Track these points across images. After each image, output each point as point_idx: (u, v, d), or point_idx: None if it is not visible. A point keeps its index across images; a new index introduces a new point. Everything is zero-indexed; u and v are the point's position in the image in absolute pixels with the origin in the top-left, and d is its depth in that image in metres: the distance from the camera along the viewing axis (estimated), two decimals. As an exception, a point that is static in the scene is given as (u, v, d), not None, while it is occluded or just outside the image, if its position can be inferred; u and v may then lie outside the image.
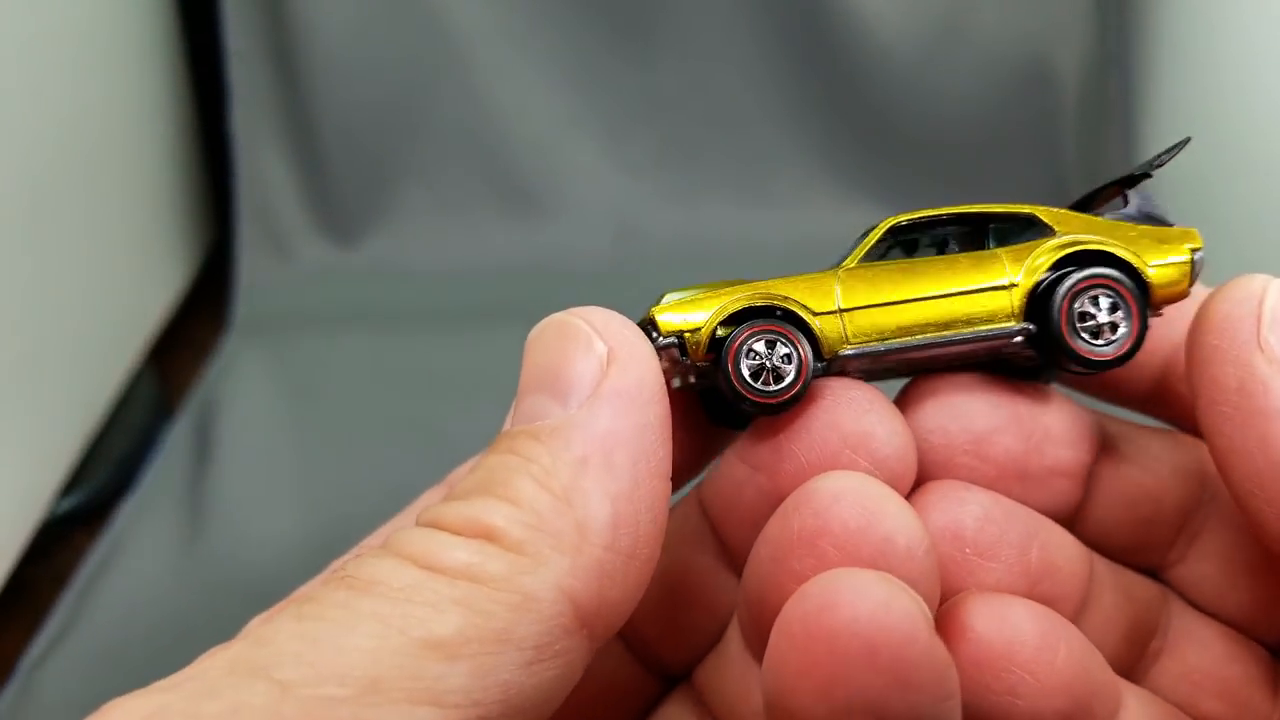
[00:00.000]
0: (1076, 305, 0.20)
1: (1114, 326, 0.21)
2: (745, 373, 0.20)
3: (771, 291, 0.20)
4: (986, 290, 0.21)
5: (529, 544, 0.16)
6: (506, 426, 0.18)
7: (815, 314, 0.20)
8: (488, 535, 0.16)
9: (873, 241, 0.21)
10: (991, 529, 0.20)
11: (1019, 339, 0.21)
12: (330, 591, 0.16)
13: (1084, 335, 0.21)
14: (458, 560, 0.16)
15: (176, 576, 0.50)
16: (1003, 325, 0.21)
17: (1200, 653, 0.22)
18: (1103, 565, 0.22)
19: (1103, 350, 0.21)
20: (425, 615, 0.15)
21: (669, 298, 0.21)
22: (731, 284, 0.21)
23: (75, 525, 0.55)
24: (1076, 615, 0.21)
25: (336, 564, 0.18)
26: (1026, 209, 0.22)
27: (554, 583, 0.16)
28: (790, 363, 0.20)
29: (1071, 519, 0.22)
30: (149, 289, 0.66)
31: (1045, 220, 0.21)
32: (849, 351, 0.20)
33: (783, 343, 0.20)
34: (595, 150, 0.73)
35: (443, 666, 0.15)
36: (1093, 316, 0.21)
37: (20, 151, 0.52)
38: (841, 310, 0.21)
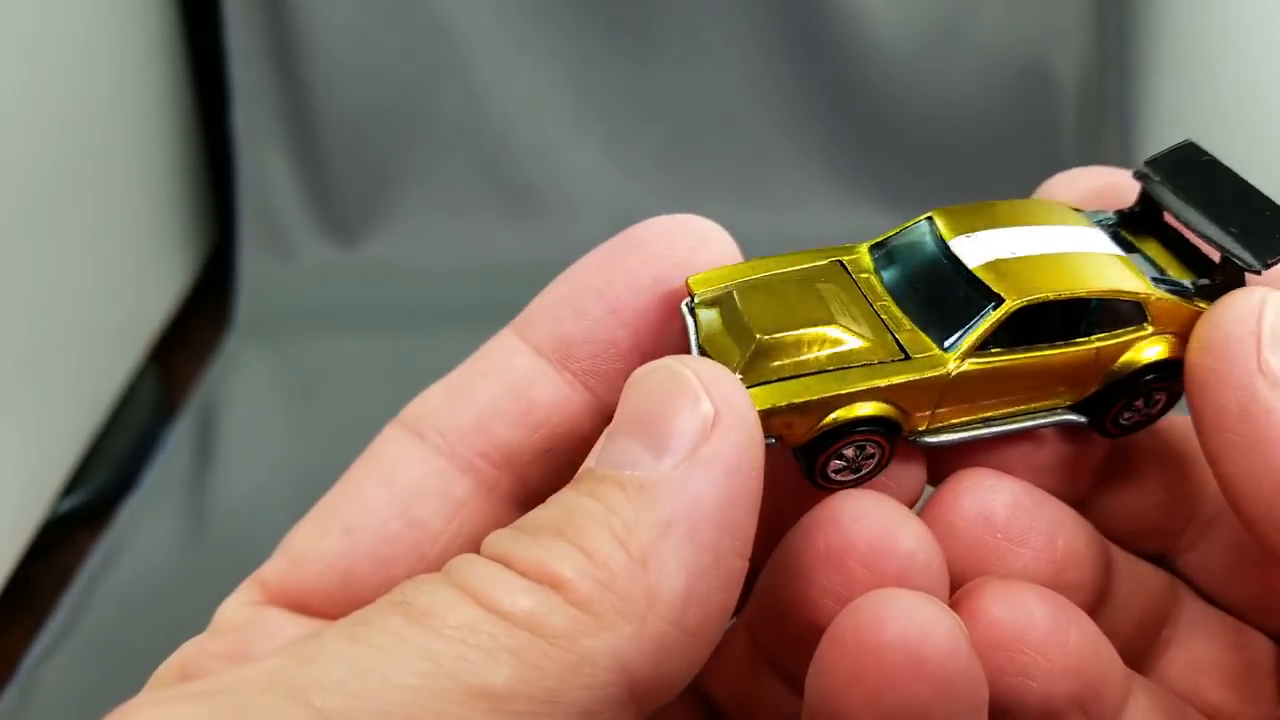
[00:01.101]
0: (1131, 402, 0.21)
1: (1153, 404, 0.22)
2: (829, 470, 0.20)
3: (883, 390, 0.20)
4: (1070, 381, 0.21)
5: (595, 603, 0.15)
6: (590, 464, 0.17)
7: (904, 410, 0.20)
8: (554, 584, 0.15)
9: (992, 325, 0.20)
10: (1023, 516, 0.21)
11: (1074, 424, 0.22)
12: (384, 616, 0.15)
13: (1123, 421, 0.22)
14: (519, 607, 0.15)
15: (178, 575, 0.50)
16: (1061, 414, 0.21)
17: (1208, 642, 0.23)
18: (1117, 554, 0.22)
19: (1131, 422, 0.22)
20: (478, 661, 0.14)
21: (700, 282, 0.21)
22: (779, 264, 0.21)
23: (77, 524, 0.55)
24: (1095, 604, 0.21)
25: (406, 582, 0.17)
26: (1140, 297, 0.20)
27: (614, 650, 0.15)
28: (871, 458, 0.20)
29: (1083, 503, 0.23)
30: (151, 288, 0.66)
31: (1147, 313, 0.21)
32: (926, 441, 0.21)
33: (872, 445, 0.20)
34: (596, 150, 0.73)
35: (485, 715, 0.14)
36: (1140, 411, 0.22)
37: (22, 152, 0.52)
38: (934, 411, 0.20)
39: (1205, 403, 0.19)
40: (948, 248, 0.21)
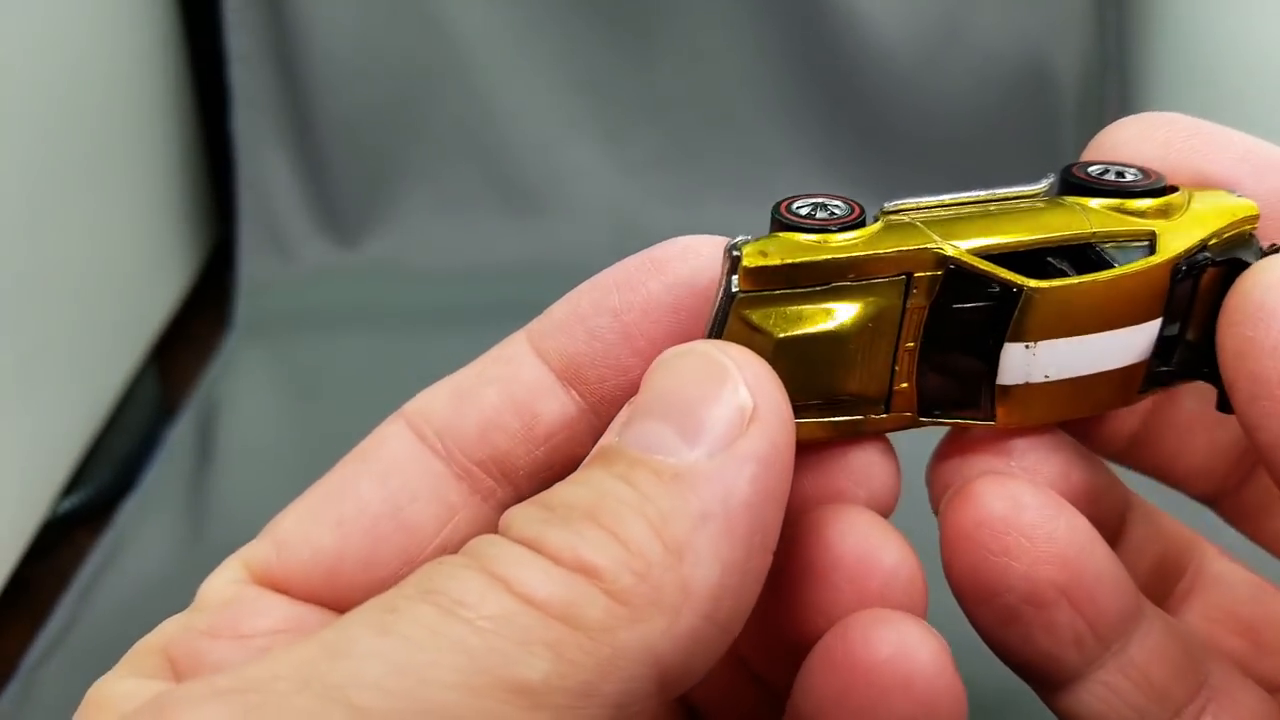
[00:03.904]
0: None
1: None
2: None
3: (849, 420, 0.20)
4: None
5: (631, 595, 0.15)
6: (611, 439, 0.17)
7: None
8: (589, 573, 0.15)
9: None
10: (1037, 451, 0.21)
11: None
12: (413, 606, 0.15)
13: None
14: (555, 597, 0.15)
15: (179, 576, 0.50)
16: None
17: (1225, 593, 0.23)
18: (1138, 500, 0.23)
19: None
20: (514, 655, 0.14)
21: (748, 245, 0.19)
22: (847, 251, 0.19)
23: (77, 524, 0.55)
24: (1112, 542, 0.22)
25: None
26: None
27: (648, 643, 0.15)
28: None
29: (1124, 452, 0.23)
30: (151, 289, 0.66)
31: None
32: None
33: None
34: (596, 150, 0.73)
35: (525, 715, 0.14)
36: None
37: (22, 153, 0.52)
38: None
39: (1242, 372, 0.18)
40: (1000, 341, 0.20)
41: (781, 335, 0.19)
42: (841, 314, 0.19)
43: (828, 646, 0.18)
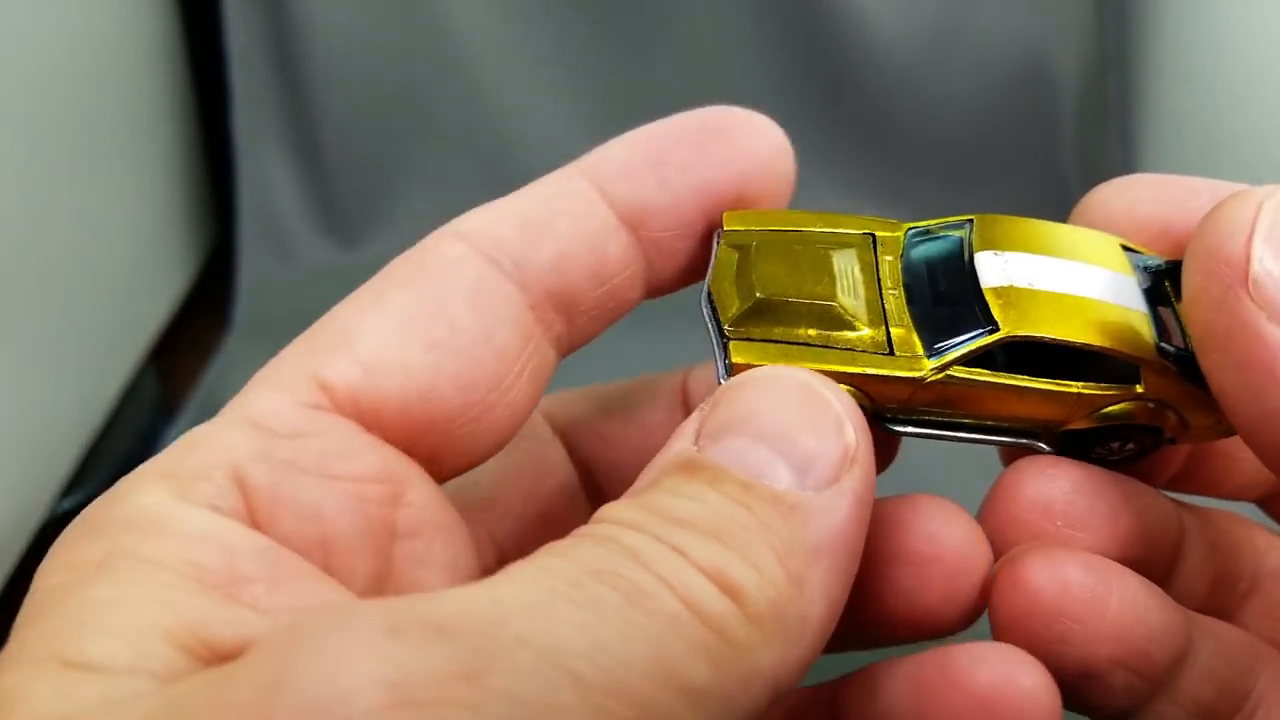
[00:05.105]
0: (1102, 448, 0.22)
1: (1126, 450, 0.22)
2: None
3: (854, 377, 0.20)
4: (1043, 422, 0.21)
5: (767, 621, 0.15)
6: (689, 447, 0.17)
7: (876, 402, 0.20)
8: (733, 594, 0.15)
9: (979, 349, 0.20)
10: (1081, 501, 0.21)
11: (1041, 450, 0.22)
12: (600, 586, 0.15)
13: (1093, 457, 0.22)
14: (714, 611, 0.15)
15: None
16: (1033, 444, 0.22)
17: None
18: (1191, 519, 0.23)
19: (1116, 458, 0.22)
20: (685, 656, 0.15)
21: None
22: (815, 222, 0.22)
23: (77, 525, 0.55)
24: (1167, 574, 0.22)
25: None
26: (1138, 360, 0.20)
27: (774, 667, 0.16)
28: None
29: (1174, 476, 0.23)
30: (151, 290, 0.66)
31: (1142, 379, 0.21)
32: (896, 429, 0.21)
33: None
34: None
35: (688, 713, 0.14)
36: (1114, 453, 0.22)
37: (21, 154, 0.52)
38: (905, 406, 0.21)
39: (1194, 320, 0.18)
40: (971, 259, 0.21)
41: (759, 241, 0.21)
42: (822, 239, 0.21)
43: (950, 667, 0.18)
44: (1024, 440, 0.21)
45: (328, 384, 0.18)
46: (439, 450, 0.19)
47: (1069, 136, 0.71)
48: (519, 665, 0.13)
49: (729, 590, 0.15)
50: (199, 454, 0.17)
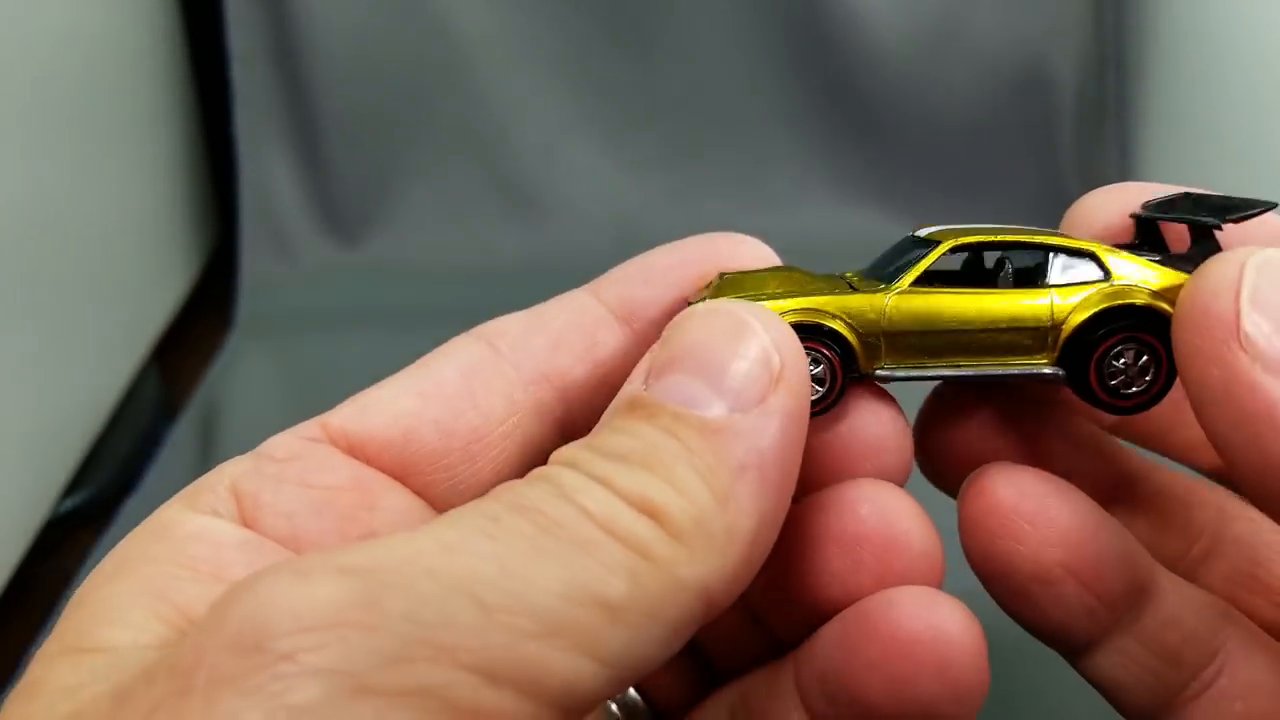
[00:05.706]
0: (1106, 357, 0.21)
1: (1143, 374, 0.21)
2: None
3: (821, 309, 0.21)
4: (1029, 329, 0.21)
5: (689, 537, 0.17)
6: (638, 389, 0.19)
7: (860, 335, 0.21)
8: (654, 515, 0.17)
9: (930, 262, 0.22)
10: (1046, 500, 0.22)
11: (1051, 378, 0.22)
12: (515, 519, 0.16)
13: (1111, 383, 0.22)
14: (634, 532, 0.17)
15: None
16: (1037, 366, 0.22)
17: (1245, 555, 0.24)
18: (1161, 474, 0.24)
19: (1126, 397, 0.22)
20: (601, 575, 0.16)
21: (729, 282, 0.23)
22: (784, 274, 0.23)
23: (79, 524, 0.55)
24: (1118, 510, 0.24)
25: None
26: (1088, 247, 0.22)
27: (700, 579, 0.17)
28: (823, 382, 0.21)
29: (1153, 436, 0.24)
30: (153, 289, 0.66)
31: (1103, 261, 0.21)
32: (884, 373, 0.22)
33: (818, 359, 0.21)
34: (596, 150, 0.73)
35: (607, 627, 0.16)
36: (1122, 371, 0.21)
37: (24, 154, 0.52)
38: (884, 333, 0.21)
39: (1190, 378, 0.19)
40: (913, 234, 0.23)
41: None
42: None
43: (866, 615, 0.20)
44: (1030, 374, 0.22)
45: (327, 423, 0.22)
46: (427, 491, 0.22)
47: (1067, 137, 0.71)
48: (420, 593, 0.15)
49: (650, 512, 0.17)
50: (212, 476, 0.21)
